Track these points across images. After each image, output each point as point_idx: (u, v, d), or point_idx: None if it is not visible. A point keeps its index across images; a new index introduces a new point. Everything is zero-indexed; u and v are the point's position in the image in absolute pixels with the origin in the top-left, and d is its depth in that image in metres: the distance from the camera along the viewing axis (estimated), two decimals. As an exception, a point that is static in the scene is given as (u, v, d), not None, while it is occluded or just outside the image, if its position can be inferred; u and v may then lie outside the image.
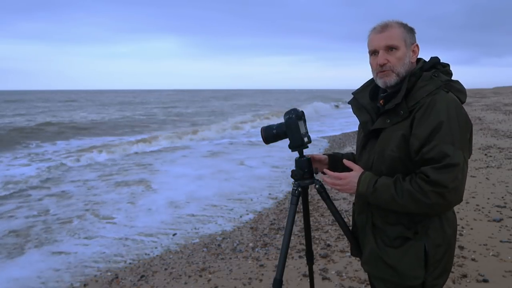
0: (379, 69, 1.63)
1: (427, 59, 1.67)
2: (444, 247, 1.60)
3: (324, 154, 1.99)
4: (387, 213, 1.62)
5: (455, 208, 1.66)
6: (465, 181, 1.48)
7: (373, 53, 1.65)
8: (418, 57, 1.68)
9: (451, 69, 1.65)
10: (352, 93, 1.83)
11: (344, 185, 1.66)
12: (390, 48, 1.60)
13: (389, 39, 1.60)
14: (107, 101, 53.20)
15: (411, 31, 1.64)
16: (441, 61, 1.65)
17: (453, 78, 1.64)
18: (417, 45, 1.64)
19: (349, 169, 1.71)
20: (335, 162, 1.96)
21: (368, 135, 1.70)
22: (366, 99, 1.75)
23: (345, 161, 1.75)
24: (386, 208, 1.58)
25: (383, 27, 1.62)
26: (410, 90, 1.57)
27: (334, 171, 1.92)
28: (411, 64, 1.62)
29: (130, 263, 4.15)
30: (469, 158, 1.56)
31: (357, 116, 1.80)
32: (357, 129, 1.97)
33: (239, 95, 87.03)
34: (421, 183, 1.45)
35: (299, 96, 76.61)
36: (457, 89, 1.59)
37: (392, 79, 1.61)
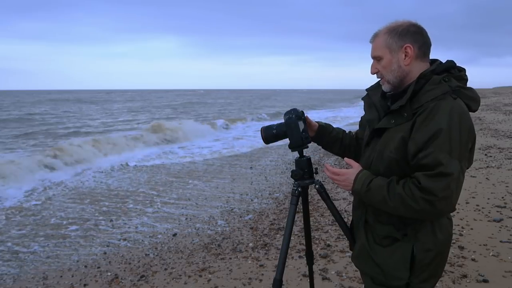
0: (376, 76, 1.68)
1: (445, 61, 1.63)
2: (434, 252, 1.59)
3: (316, 122, 2.01)
4: (380, 212, 1.62)
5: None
6: (459, 191, 1.46)
7: None
8: (435, 58, 1.64)
9: (467, 74, 1.61)
10: (366, 90, 1.82)
11: (342, 181, 1.68)
12: (376, 58, 1.64)
13: (373, 50, 1.64)
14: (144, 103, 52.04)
15: (399, 34, 1.57)
16: (457, 64, 1.60)
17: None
18: (409, 46, 1.56)
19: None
20: (322, 134, 2.00)
21: (372, 133, 1.70)
22: (377, 97, 1.74)
23: (346, 159, 1.78)
24: (378, 208, 1.60)
25: (372, 38, 1.66)
26: (417, 92, 1.54)
27: (318, 141, 2.00)
28: (405, 68, 1.58)
29: (130, 263, 4.15)
30: (468, 168, 1.55)
31: (365, 113, 1.80)
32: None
33: (261, 95, 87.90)
34: (412, 188, 1.45)
35: (337, 97, 77.51)
36: (468, 97, 1.54)
37: (386, 87, 1.65)
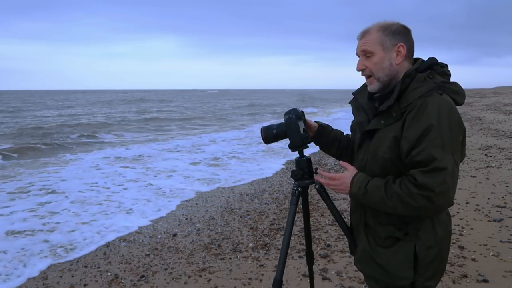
0: (362, 74, 1.68)
1: (426, 59, 1.66)
2: (436, 249, 1.60)
3: (315, 122, 2.02)
4: (379, 213, 1.63)
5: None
6: (456, 184, 1.48)
7: None
8: (417, 57, 1.67)
9: (449, 69, 1.64)
10: (353, 93, 1.84)
11: (338, 186, 1.69)
12: (367, 54, 1.63)
13: (364, 45, 1.64)
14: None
15: (393, 32, 1.59)
16: (438, 61, 1.63)
17: (453, 78, 1.63)
18: (402, 45, 1.59)
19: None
20: (321, 134, 2.00)
21: (363, 135, 1.71)
22: (364, 99, 1.76)
23: (341, 162, 1.79)
24: (377, 209, 1.60)
25: (362, 33, 1.66)
26: (404, 91, 1.56)
27: (317, 141, 1.99)
28: (395, 66, 1.60)
29: (130, 263, 4.15)
30: (461, 161, 1.57)
31: (354, 116, 1.82)
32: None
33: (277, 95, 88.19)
34: (409, 186, 1.46)
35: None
36: (453, 91, 1.57)
37: (374, 86, 1.65)
